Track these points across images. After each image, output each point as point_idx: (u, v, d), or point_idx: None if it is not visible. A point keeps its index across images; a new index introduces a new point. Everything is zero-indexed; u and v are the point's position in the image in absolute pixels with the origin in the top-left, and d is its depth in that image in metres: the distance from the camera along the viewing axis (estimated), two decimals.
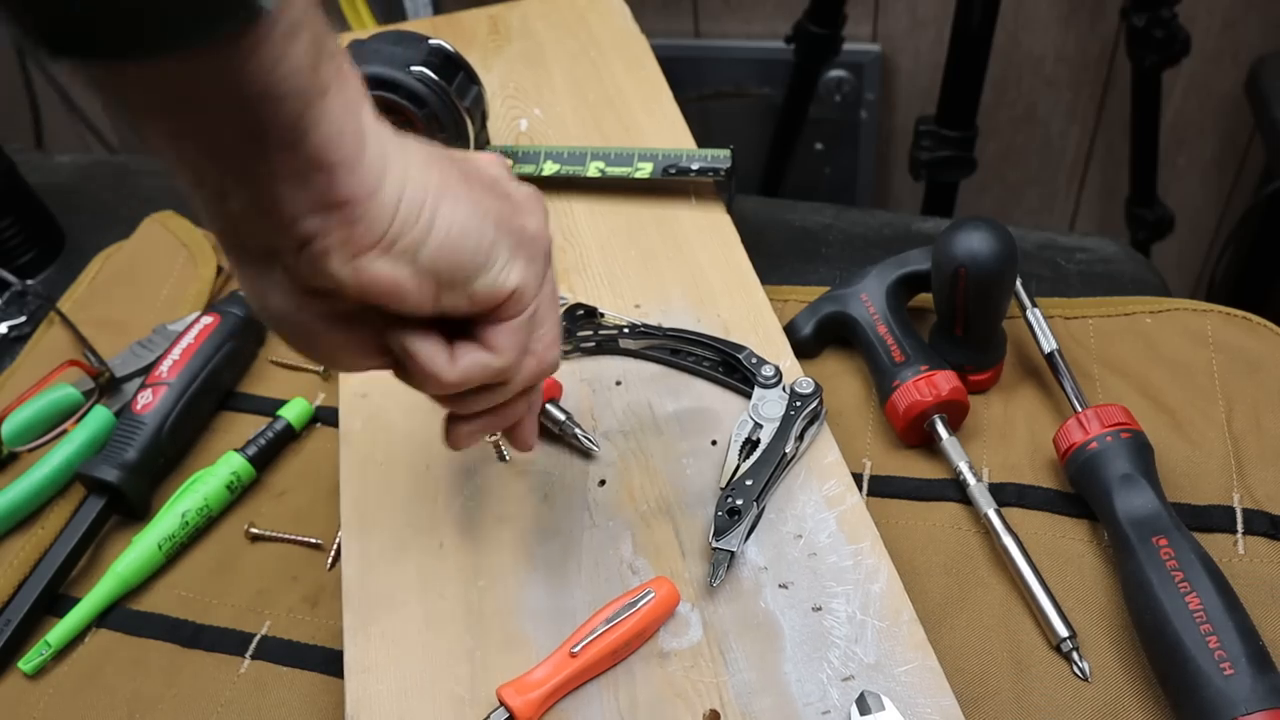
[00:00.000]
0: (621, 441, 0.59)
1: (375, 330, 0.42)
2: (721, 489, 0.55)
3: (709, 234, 0.70)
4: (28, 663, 0.57)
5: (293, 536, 0.62)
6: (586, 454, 0.58)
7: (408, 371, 0.43)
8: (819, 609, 0.51)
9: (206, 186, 0.36)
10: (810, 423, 0.58)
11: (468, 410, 0.46)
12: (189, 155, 0.35)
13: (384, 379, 0.64)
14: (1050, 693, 0.51)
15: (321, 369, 0.72)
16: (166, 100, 0.32)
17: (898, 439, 0.62)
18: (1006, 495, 0.59)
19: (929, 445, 0.62)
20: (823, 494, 0.55)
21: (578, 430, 0.58)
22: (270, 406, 0.69)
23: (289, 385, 0.72)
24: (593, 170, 0.74)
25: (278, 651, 0.57)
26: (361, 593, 0.54)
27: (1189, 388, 0.63)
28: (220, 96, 0.32)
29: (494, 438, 0.59)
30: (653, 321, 0.64)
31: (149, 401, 0.66)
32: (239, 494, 0.65)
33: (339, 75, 0.35)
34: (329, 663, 0.56)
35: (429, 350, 0.42)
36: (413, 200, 0.38)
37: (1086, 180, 1.50)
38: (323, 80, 0.34)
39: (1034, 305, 0.64)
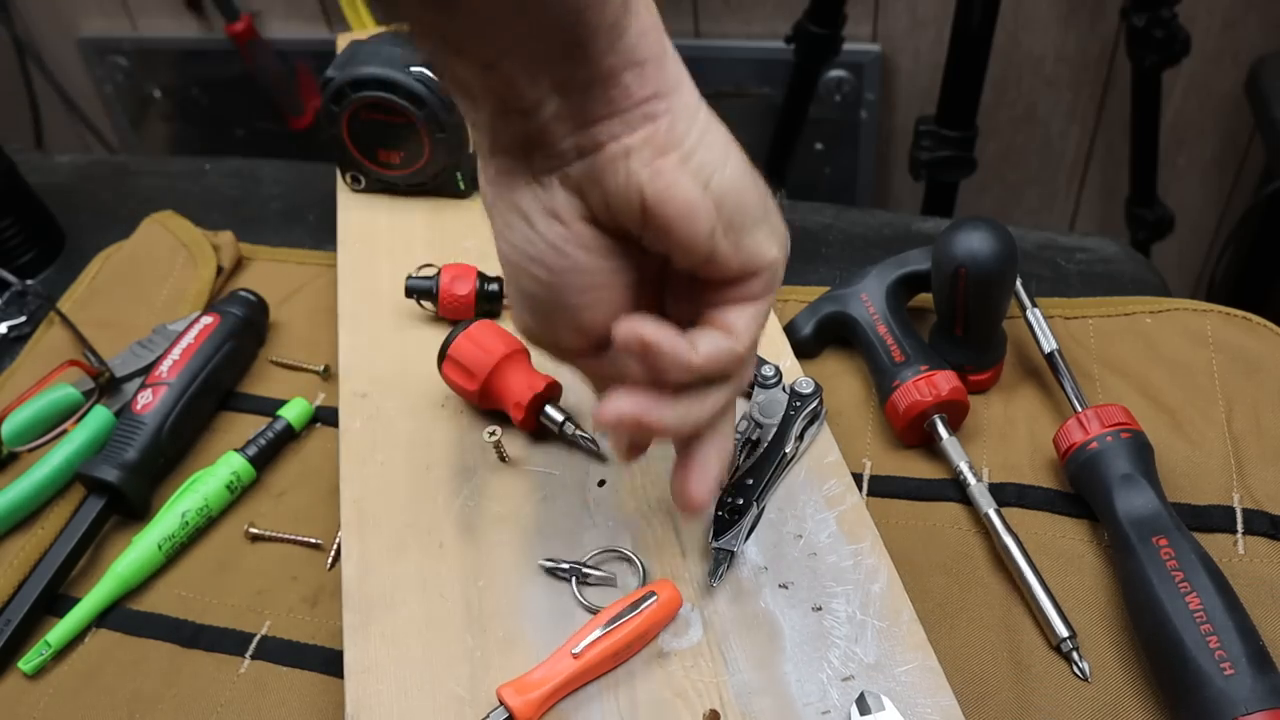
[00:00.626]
0: None
1: (627, 281, 0.41)
2: (721, 489, 0.55)
3: None
4: (28, 663, 0.57)
5: (292, 536, 0.62)
6: (594, 455, 0.58)
7: (645, 354, 0.39)
8: (819, 609, 0.51)
9: (519, 103, 0.36)
10: (810, 423, 0.58)
11: (692, 420, 0.42)
12: (515, 70, 0.36)
13: (384, 379, 0.64)
14: (1050, 693, 0.51)
15: (321, 368, 0.72)
16: (496, 21, 0.34)
17: (898, 439, 0.62)
18: (1006, 495, 0.59)
19: (929, 445, 0.62)
20: (823, 494, 0.55)
21: (577, 430, 0.58)
22: (270, 406, 0.69)
23: (289, 385, 0.72)
24: None
25: (278, 651, 0.57)
26: (361, 593, 0.54)
27: (1189, 388, 0.63)
28: (554, 7, 0.34)
29: (495, 439, 0.58)
30: None
31: (149, 401, 0.66)
32: (239, 494, 0.65)
33: None
34: (329, 663, 0.56)
35: (670, 335, 0.39)
36: (708, 115, 0.39)
37: (1086, 180, 1.50)
38: None
39: (1034, 305, 0.64)
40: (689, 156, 0.38)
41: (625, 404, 0.40)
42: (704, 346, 0.40)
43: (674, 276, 0.43)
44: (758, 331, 0.42)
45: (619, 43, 0.36)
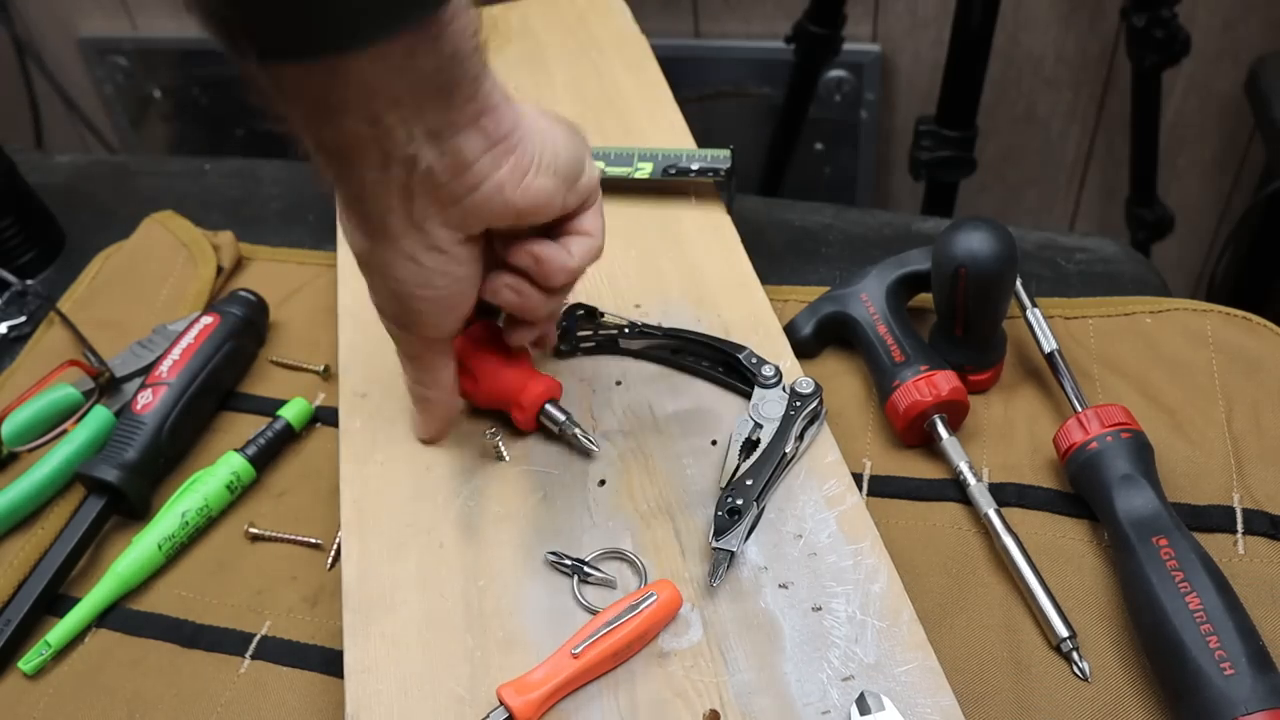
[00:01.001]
0: (621, 441, 0.59)
1: (482, 269, 0.51)
2: (721, 489, 0.55)
3: (709, 234, 0.70)
4: (28, 663, 0.57)
5: (292, 536, 0.62)
6: (586, 454, 0.58)
7: (536, 274, 0.52)
8: (819, 609, 0.51)
9: (396, 160, 0.42)
10: (810, 423, 0.58)
11: (546, 310, 0.55)
12: (395, 124, 0.41)
13: (384, 379, 0.64)
14: (1050, 693, 0.51)
15: (321, 368, 0.72)
16: (381, 80, 0.39)
17: (898, 439, 0.62)
18: (1006, 495, 0.59)
19: (929, 445, 0.62)
20: (823, 494, 0.55)
21: (577, 430, 0.58)
22: (270, 406, 0.69)
23: (289, 385, 0.72)
24: None
25: (278, 651, 0.57)
26: (361, 592, 0.54)
27: (1189, 388, 0.63)
28: (432, 61, 0.40)
29: (495, 439, 0.59)
30: (653, 321, 0.64)
31: (149, 401, 0.66)
32: (239, 494, 0.65)
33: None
34: (329, 663, 0.56)
35: (555, 249, 0.51)
36: (533, 118, 0.47)
37: (1086, 180, 1.50)
38: (483, 34, 0.42)
39: (1034, 305, 0.64)
40: (539, 164, 0.47)
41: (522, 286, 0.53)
42: (576, 249, 0.52)
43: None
44: (603, 221, 0.54)
45: (478, 91, 0.43)
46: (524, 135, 0.46)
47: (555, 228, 0.52)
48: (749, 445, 0.57)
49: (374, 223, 0.46)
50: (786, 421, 0.57)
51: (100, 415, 0.68)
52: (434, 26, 0.39)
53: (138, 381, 0.70)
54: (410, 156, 0.43)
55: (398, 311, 0.51)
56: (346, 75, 0.39)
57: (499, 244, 0.53)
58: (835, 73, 1.43)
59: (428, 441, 0.60)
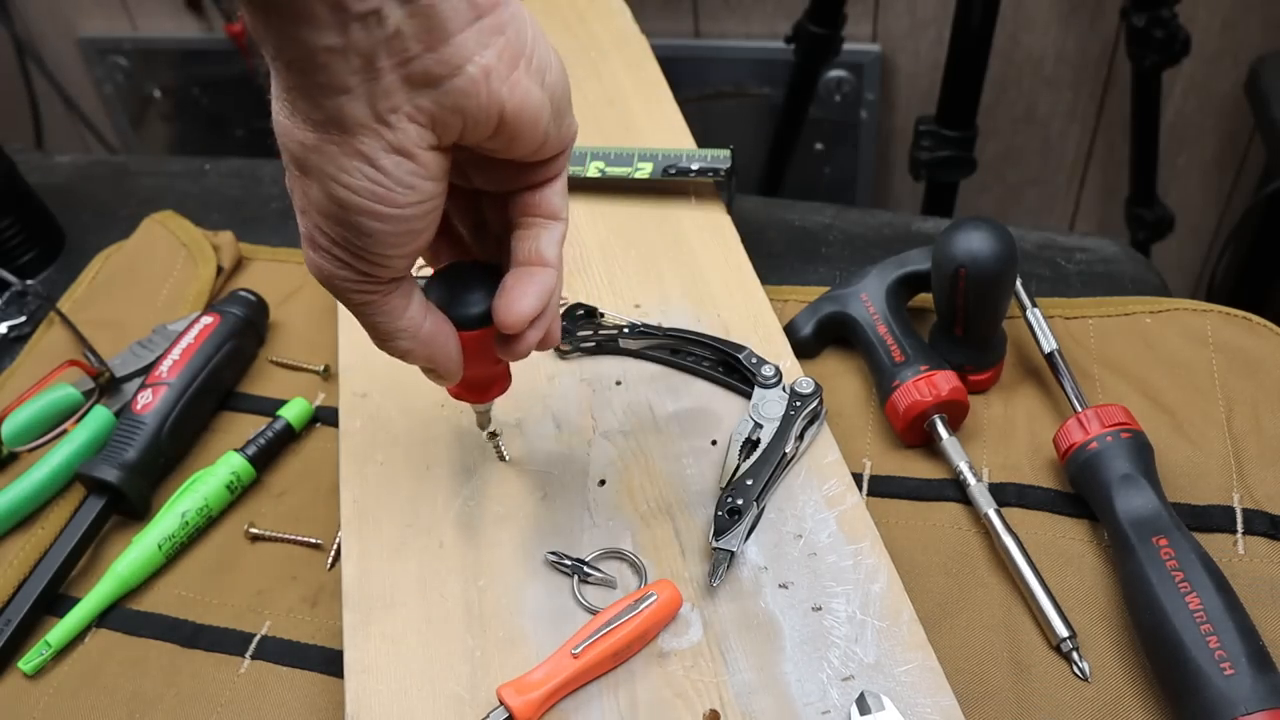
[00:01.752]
0: (621, 441, 0.59)
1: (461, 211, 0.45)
2: (721, 489, 0.55)
3: (709, 234, 0.70)
4: (28, 663, 0.57)
5: (292, 536, 0.62)
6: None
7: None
8: (819, 609, 0.51)
9: (355, 15, 0.34)
10: (810, 423, 0.58)
11: (541, 309, 0.45)
12: None
13: (384, 379, 0.64)
14: (1050, 693, 0.51)
15: (321, 368, 0.72)
16: None
17: (898, 439, 0.62)
18: (1006, 495, 0.59)
19: (929, 445, 0.62)
20: (823, 494, 0.55)
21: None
22: (270, 406, 0.69)
23: (289, 385, 0.72)
24: (593, 170, 0.74)
25: (278, 651, 0.57)
26: (361, 593, 0.54)
27: (1189, 388, 0.63)
28: None
29: (495, 438, 0.59)
30: (653, 321, 0.64)
31: (149, 401, 0.66)
32: (239, 494, 0.65)
33: None
34: (329, 663, 0.56)
35: (539, 284, 0.44)
36: (529, 13, 0.39)
37: (1086, 180, 1.50)
38: None
39: (1034, 305, 0.64)
40: (530, 60, 0.38)
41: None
42: (549, 252, 0.44)
43: (486, 164, 0.44)
44: (566, 200, 0.45)
45: None
46: (514, 16, 0.38)
47: (518, 197, 0.44)
48: (749, 445, 0.57)
49: (325, 108, 0.36)
50: (786, 421, 0.57)
51: (100, 415, 0.68)
52: None
53: (138, 381, 0.70)
54: (374, 11, 0.34)
55: (339, 235, 0.39)
56: None
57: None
58: (835, 73, 1.43)
59: (456, 388, 0.51)
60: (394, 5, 0.34)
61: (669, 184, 0.73)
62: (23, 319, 0.81)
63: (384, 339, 0.44)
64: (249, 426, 0.69)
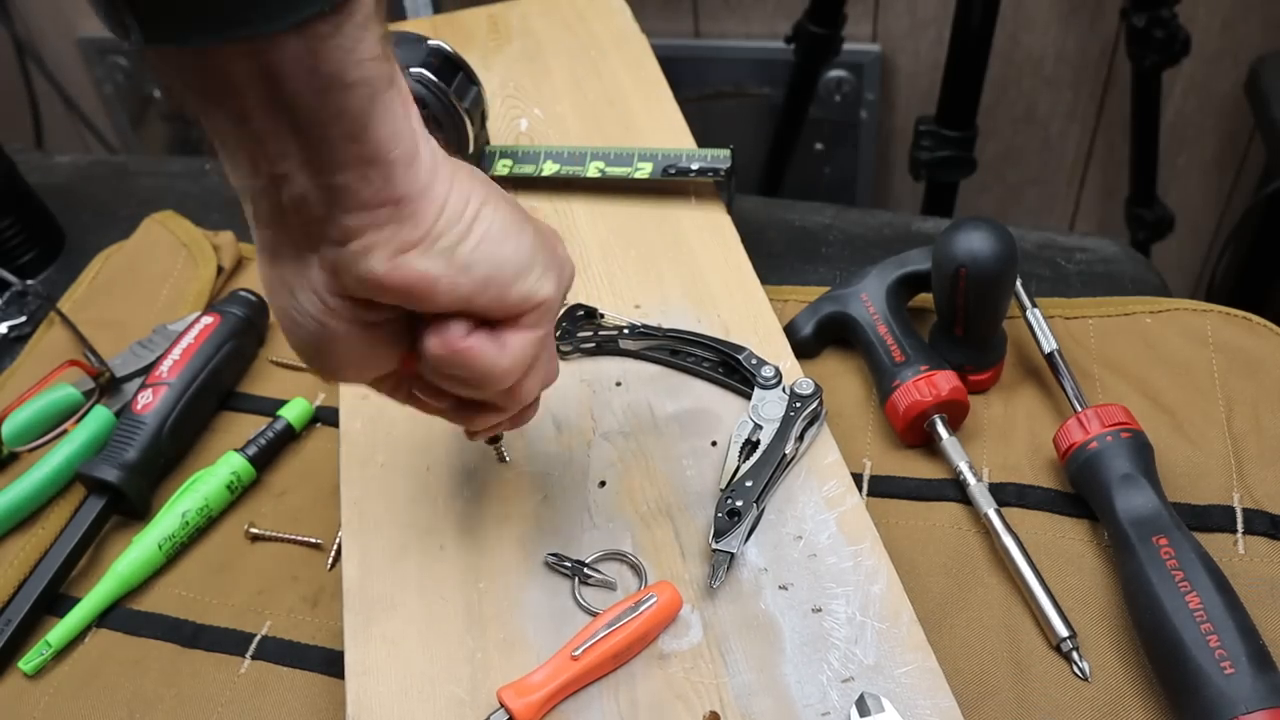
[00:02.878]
0: (621, 442, 0.59)
1: (394, 341, 0.43)
2: (721, 490, 0.55)
3: (709, 234, 0.70)
4: (28, 663, 0.57)
5: (293, 536, 0.62)
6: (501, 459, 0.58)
7: (454, 367, 0.42)
8: (819, 610, 0.51)
9: (266, 172, 0.36)
10: (810, 423, 0.58)
11: (476, 425, 0.48)
12: (257, 135, 0.35)
13: None
14: (1050, 693, 0.51)
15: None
16: (249, 79, 0.34)
17: (898, 439, 0.62)
18: (1006, 495, 0.59)
19: (929, 445, 0.62)
20: (823, 495, 0.55)
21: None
22: (270, 406, 0.69)
23: (289, 385, 0.72)
24: (592, 170, 0.74)
25: (278, 652, 0.57)
26: (362, 594, 0.54)
27: (1189, 388, 0.63)
28: (300, 77, 0.34)
29: (495, 440, 0.59)
30: (653, 322, 0.64)
31: (149, 401, 0.66)
32: (239, 494, 0.65)
33: (396, 74, 0.37)
34: (329, 663, 0.56)
35: (482, 340, 0.42)
36: (458, 201, 0.39)
37: (1086, 180, 1.50)
38: (387, 74, 0.36)
39: (1034, 305, 0.64)
40: (432, 243, 0.39)
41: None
42: (512, 343, 0.43)
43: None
44: (531, 353, 0.43)
45: (365, 135, 0.36)
46: (427, 208, 0.38)
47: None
48: (749, 446, 0.57)
49: (261, 235, 0.40)
50: (786, 422, 0.57)
51: (100, 415, 0.68)
52: (302, 38, 0.33)
53: (138, 381, 0.70)
54: (281, 175, 0.36)
55: (290, 342, 0.43)
56: (207, 69, 0.34)
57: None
58: (835, 73, 1.43)
59: (476, 431, 0.51)
60: (301, 174, 0.36)
61: (669, 184, 0.73)
62: (23, 319, 0.81)
63: (395, 399, 0.48)
64: (249, 426, 0.69)
